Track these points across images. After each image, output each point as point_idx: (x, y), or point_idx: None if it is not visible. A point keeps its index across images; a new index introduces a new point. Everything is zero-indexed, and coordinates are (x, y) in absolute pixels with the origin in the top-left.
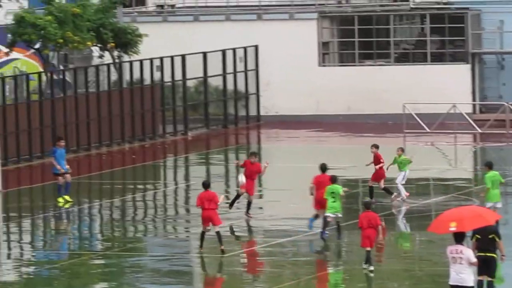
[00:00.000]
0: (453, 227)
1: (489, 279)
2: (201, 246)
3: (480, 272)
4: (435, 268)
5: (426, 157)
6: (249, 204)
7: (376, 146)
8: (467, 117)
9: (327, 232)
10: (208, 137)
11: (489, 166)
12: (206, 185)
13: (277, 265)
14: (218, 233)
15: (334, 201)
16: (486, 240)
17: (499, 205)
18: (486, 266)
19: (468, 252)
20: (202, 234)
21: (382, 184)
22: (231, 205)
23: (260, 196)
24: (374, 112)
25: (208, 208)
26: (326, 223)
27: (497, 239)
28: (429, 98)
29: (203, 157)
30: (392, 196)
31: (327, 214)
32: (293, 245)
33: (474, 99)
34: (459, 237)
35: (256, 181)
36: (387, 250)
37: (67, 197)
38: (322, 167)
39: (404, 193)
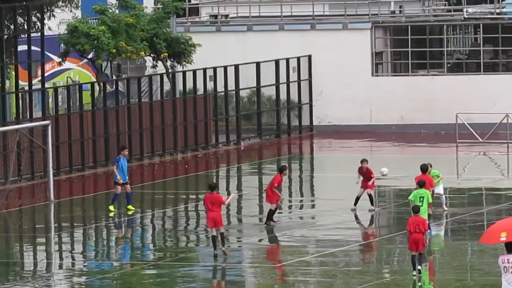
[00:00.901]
0: (503, 237)
1: None
2: (215, 248)
3: None
4: (486, 278)
5: (478, 167)
6: (272, 212)
7: (366, 161)
8: None
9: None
10: (260, 147)
11: None
12: (212, 187)
13: (329, 275)
14: (222, 234)
15: (422, 206)
16: None
17: None
18: None
19: None
20: (213, 238)
21: (361, 192)
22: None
23: (313, 206)
24: (427, 122)
25: (212, 210)
26: None
27: None
28: (482, 108)
29: (256, 167)
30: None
31: None
32: (345, 255)
33: None
34: (511, 247)
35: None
36: (439, 260)
37: (130, 206)
38: (423, 167)
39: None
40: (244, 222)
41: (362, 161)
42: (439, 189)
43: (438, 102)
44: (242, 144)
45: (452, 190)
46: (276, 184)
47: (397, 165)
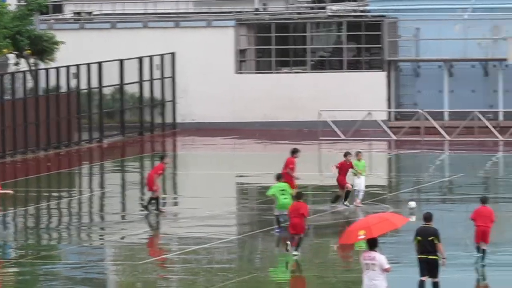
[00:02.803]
0: (362, 235)
1: (434, 279)
2: None
3: (422, 273)
4: (348, 275)
5: None
6: (152, 199)
7: (350, 154)
8: (382, 124)
9: (278, 230)
10: (124, 145)
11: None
12: None
13: (191, 272)
14: None
15: (285, 198)
16: (426, 242)
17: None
18: (428, 268)
19: (381, 259)
20: None
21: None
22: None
23: (176, 204)
24: (290, 120)
25: None
26: (279, 221)
27: (436, 242)
28: (345, 105)
29: (119, 164)
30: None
31: (278, 212)
32: (208, 253)
33: (389, 106)
34: (372, 244)
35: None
36: (302, 257)
37: None
38: (345, 153)
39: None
40: (106, 220)
41: (346, 155)
42: (361, 182)
43: (301, 100)
44: (104, 141)
45: (314, 187)
46: (160, 172)
47: (260, 162)
